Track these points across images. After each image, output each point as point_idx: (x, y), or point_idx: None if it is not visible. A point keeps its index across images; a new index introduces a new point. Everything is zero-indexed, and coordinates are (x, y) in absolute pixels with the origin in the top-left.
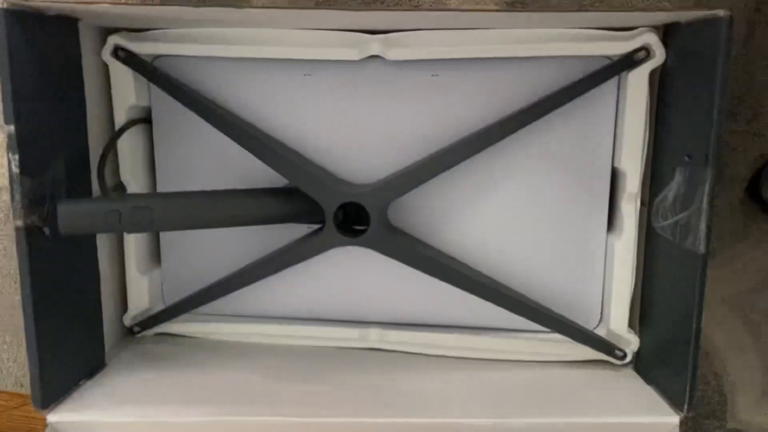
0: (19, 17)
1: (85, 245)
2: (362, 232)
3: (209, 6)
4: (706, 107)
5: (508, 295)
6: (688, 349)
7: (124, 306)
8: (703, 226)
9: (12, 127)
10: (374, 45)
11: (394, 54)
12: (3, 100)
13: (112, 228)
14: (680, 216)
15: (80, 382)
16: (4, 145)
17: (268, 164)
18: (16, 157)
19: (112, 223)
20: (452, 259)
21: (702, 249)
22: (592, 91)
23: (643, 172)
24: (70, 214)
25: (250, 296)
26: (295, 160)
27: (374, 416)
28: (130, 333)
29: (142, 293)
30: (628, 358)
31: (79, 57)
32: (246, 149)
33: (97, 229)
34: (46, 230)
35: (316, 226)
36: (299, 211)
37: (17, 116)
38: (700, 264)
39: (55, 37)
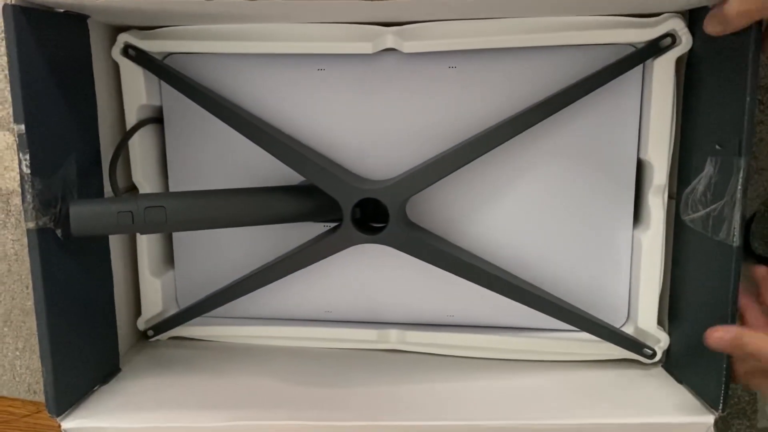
0: (28, 14)
1: (98, 247)
2: (380, 229)
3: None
4: (737, 93)
5: (531, 292)
6: None
7: (137, 309)
8: (737, 217)
9: (22, 126)
10: (389, 38)
11: (409, 46)
12: (12, 99)
13: (125, 229)
14: (711, 207)
15: (95, 388)
16: (14, 147)
17: (284, 161)
18: (27, 156)
19: (125, 224)
20: (473, 256)
21: (736, 241)
22: (616, 81)
23: (670, 162)
24: (82, 215)
25: (266, 298)
26: (310, 157)
27: (395, 420)
28: (144, 337)
29: (155, 296)
30: (658, 357)
31: (89, 55)
32: (260, 147)
33: (109, 230)
34: (59, 232)
35: (332, 225)
36: (316, 208)
37: (27, 115)
38: (733, 256)
39: (64, 35)
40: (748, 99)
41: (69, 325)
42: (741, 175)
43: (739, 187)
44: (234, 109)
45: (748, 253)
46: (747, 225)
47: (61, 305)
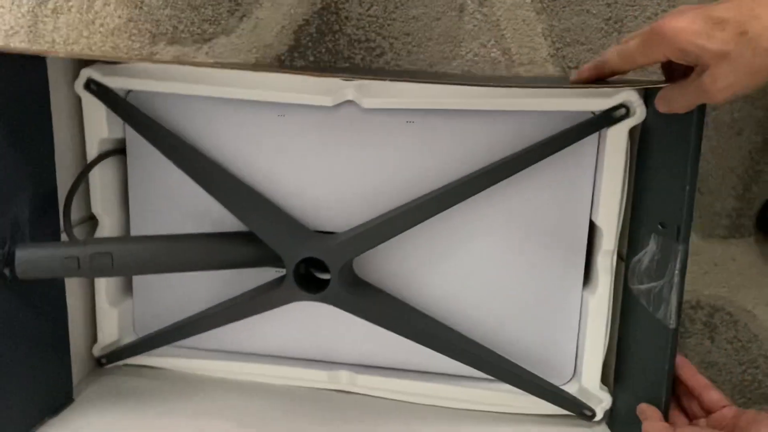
0: None
1: (52, 281)
2: (324, 284)
3: (157, 62)
4: (679, 178)
5: (473, 353)
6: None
7: (94, 337)
8: (674, 300)
9: None
10: (348, 92)
11: (368, 102)
12: None
13: (71, 273)
14: (653, 284)
15: (44, 419)
16: None
17: (231, 211)
18: None
19: (71, 269)
20: (419, 314)
21: (672, 323)
22: (573, 146)
23: (619, 229)
24: (27, 260)
25: (221, 332)
26: (259, 208)
27: None
28: (99, 364)
29: (111, 325)
30: (598, 417)
31: (47, 92)
32: (209, 193)
33: (55, 274)
34: (6, 271)
35: (282, 271)
36: (263, 257)
37: None
38: (670, 337)
39: (19, 74)
40: (687, 188)
41: (16, 358)
42: (679, 260)
43: (677, 272)
44: (186, 151)
45: (765, 231)
46: (766, 203)
47: (8, 340)
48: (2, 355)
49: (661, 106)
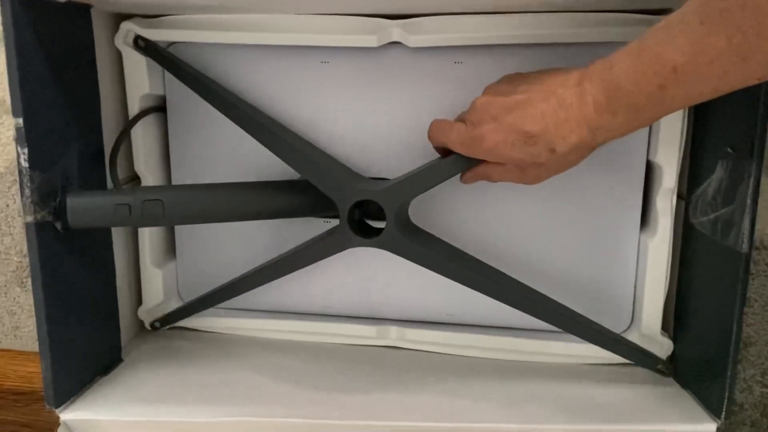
0: (27, 6)
1: (100, 238)
2: (378, 231)
3: None
4: (750, 95)
5: (532, 299)
6: (727, 353)
7: (140, 299)
8: (746, 222)
9: (20, 120)
10: (394, 31)
11: (415, 40)
12: (11, 94)
13: (122, 221)
14: (721, 212)
15: (96, 379)
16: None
17: (282, 158)
18: (25, 151)
19: (123, 217)
20: (475, 260)
21: (745, 247)
22: None
23: (680, 165)
24: (79, 208)
25: (266, 291)
26: (309, 154)
27: (393, 420)
28: (150, 328)
29: (156, 287)
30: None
31: (92, 44)
32: (259, 141)
33: (107, 223)
34: (58, 225)
35: (333, 221)
36: (315, 205)
37: (26, 109)
38: (742, 263)
39: (67, 26)
40: (762, 100)
41: (69, 317)
42: (752, 180)
43: (750, 191)
44: (234, 101)
45: None
46: None
47: (60, 297)
48: (57, 313)
49: (471, 179)
